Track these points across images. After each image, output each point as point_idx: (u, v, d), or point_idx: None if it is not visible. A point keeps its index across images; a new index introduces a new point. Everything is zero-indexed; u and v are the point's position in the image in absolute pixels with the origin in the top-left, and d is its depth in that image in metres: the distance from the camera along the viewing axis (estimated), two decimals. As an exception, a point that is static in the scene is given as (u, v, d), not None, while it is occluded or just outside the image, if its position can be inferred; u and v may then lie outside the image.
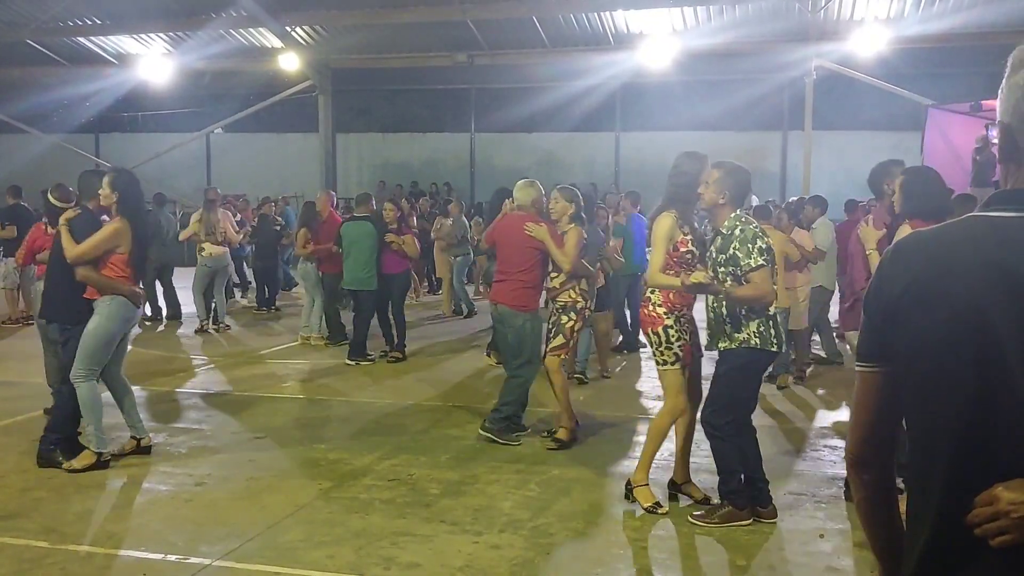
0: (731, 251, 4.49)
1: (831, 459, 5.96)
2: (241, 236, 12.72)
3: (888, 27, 16.70)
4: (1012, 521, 1.36)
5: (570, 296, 6.30)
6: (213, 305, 11.51)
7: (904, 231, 5.31)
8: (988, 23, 16.24)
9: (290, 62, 19.61)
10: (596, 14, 18.15)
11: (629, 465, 5.92)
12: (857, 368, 1.64)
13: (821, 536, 4.61)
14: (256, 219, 13.92)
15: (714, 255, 4.61)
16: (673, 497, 5.17)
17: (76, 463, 5.63)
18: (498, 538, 4.58)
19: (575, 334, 6.39)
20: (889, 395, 1.58)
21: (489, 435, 6.27)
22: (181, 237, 12.40)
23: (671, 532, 4.69)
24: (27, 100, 21.98)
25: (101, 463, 5.68)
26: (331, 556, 4.34)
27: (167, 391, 8.04)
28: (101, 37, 20.85)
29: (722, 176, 4.58)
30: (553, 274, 6.35)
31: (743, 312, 4.51)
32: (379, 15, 18.23)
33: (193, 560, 4.31)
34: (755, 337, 4.52)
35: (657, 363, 4.99)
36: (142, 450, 5.98)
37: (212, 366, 9.33)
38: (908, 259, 1.53)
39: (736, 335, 4.54)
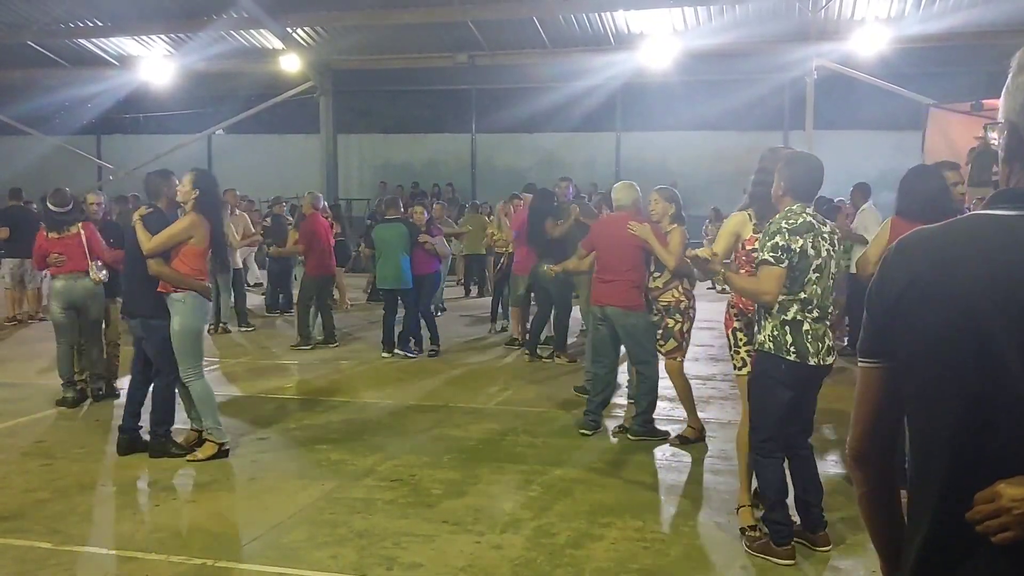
0: (757, 242, 4.29)
1: (832, 457, 5.97)
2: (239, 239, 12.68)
3: (888, 26, 16.71)
4: (1014, 518, 1.36)
5: (673, 296, 6.29)
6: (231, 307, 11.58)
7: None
8: (988, 22, 16.25)
9: (291, 63, 19.63)
10: (597, 14, 18.17)
11: (632, 464, 5.94)
12: (859, 364, 1.65)
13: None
14: (268, 219, 13.90)
15: None
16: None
17: (200, 454, 5.90)
18: (500, 538, 4.58)
19: (686, 335, 6.37)
20: (890, 391, 1.59)
21: (642, 438, 6.35)
22: None
23: (674, 533, 4.69)
24: (29, 102, 22.02)
25: (222, 452, 5.92)
26: (334, 556, 4.35)
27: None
28: (102, 39, 20.89)
29: (781, 167, 4.31)
30: (656, 274, 6.34)
31: (763, 312, 4.22)
32: (380, 16, 18.26)
33: (196, 561, 4.32)
34: (769, 341, 4.15)
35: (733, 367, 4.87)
36: (203, 441, 6.09)
37: (216, 367, 9.34)
38: (910, 256, 1.54)
39: (757, 336, 4.26)
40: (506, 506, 5.05)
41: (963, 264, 1.45)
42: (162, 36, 20.49)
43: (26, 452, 6.15)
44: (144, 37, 20.66)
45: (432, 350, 9.90)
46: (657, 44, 17.80)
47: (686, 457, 6.07)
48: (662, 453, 6.16)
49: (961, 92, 16.25)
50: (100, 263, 7.24)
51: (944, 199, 4.95)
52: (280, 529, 4.71)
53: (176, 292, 5.79)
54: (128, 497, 5.36)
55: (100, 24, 20.02)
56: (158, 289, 5.84)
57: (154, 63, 20.66)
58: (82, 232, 7.28)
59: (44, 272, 8.46)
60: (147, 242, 5.75)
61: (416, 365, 9.40)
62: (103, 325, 7.56)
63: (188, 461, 5.84)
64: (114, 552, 4.45)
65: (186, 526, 4.81)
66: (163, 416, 6.02)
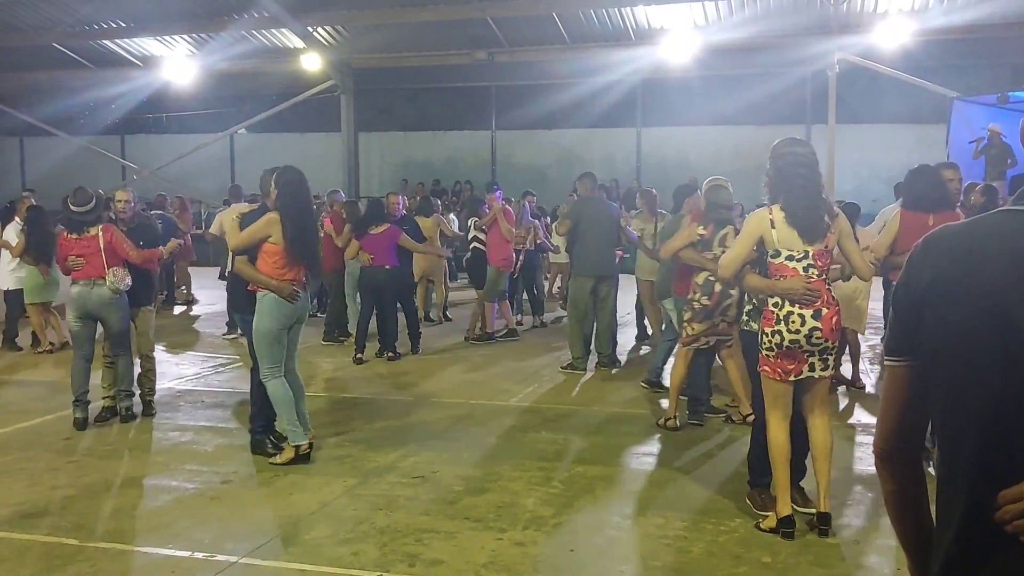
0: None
1: (858, 455, 5.93)
2: None
3: (912, 19, 16.54)
4: (1043, 516, 1.35)
5: None
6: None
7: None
8: (1013, 14, 16.04)
9: (312, 62, 19.72)
10: (616, 9, 18.11)
11: (652, 461, 5.93)
12: (885, 361, 1.64)
13: (856, 541, 4.58)
14: None
15: None
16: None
17: (279, 458, 5.79)
18: (522, 535, 4.59)
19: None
20: (917, 389, 1.58)
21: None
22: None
23: (696, 530, 4.67)
24: (54, 103, 22.29)
25: (300, 456, 5.76)
26: (356, 553, 4.37)
27: (194, 389, 8.11)
28: (126, 40, 21.09)
29: None
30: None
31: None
32: (399, 14, 18.30)
33: (220, 557, 4.36)
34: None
35: (832, 367, 4.60)
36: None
37: (238, 365, 9.40)
38: (936, 252, 1.53)
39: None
40: (527, 503, 5.05)
41: (988, 260, 1.44)
42: (184, 36, 20.65)
43: (55, 449, 6.23)
44: (167, 37, 20.84)
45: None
46: (677, 39, 17.72)
47: (708, 454, 6.05)
48: (683, 450, 6.14)
49: (985, 85, 16.06)
50: (121, 270, 6.73)
51: (936, 192, 5.74)
52: (303, 525, 4.75)
53: (259, 291, 5.74)
54: (153, 494, 5.41)
55: (123, 25, 20.21)
56: (248, 288, 5.84)
57: (177, 63, 20.83)
58: (101, 235, 6.72)
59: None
60: (232, 239, 5.79)
61: (436, 362, 9.42)
62: (131, 336, 7.01)
63: (270, 464, 5.76)
64: (139, 548, 4.50)
65: (210, 523, 4.85)
66: (256, 411, 6.04)
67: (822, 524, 4.48)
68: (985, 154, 12.47)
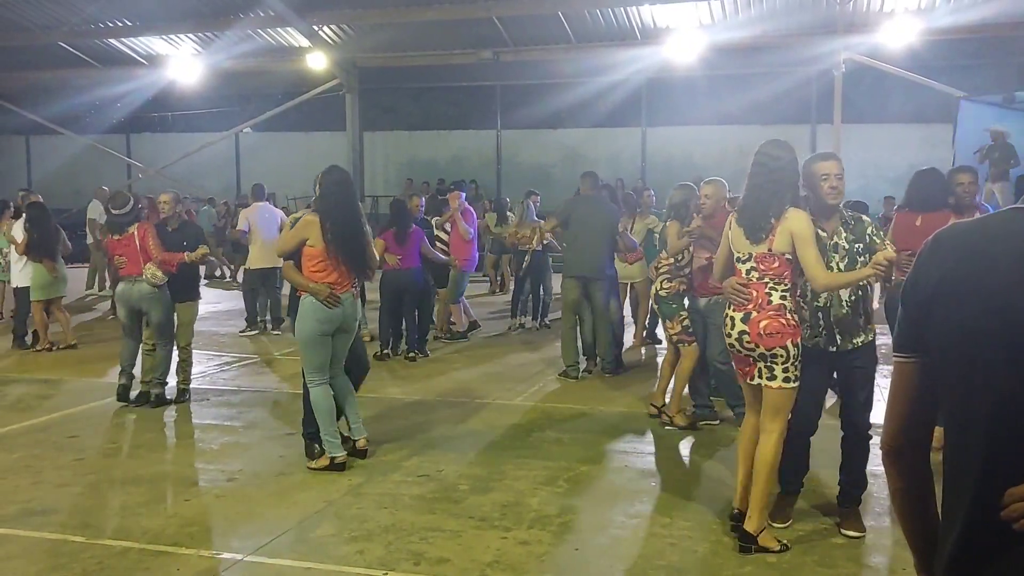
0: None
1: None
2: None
3: (918, 18, 16.50)
4: (1046, 516, 1.35)
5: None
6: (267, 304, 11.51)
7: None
8: (1020, 13, 15.99)
9: (317, 61, 19.75)
10: (622, 9, 18.09)
11: (658, 461, 5.93)
12: (894, 358, 1.64)
13: (860, 541, 4.57)
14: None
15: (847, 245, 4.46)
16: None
17: (314, 464, 5.67)
18: (527, 534, 4.59)
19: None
20: (924, 386, 1.58)
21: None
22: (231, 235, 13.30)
23: (702, 530, 4.67)
24: (60, 102, 22.36)
25: (335, 466, 5.58)
26: (361, 551, 4.38)
27: (199, 388, 8.12)
28: (131, 39, 21.12)
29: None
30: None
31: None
32: (405, 13, 18.31)
33: (225, 555, 4.37)
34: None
35: (782, 380, 4.20)
36: (357, 452, 5.81)
37: (244, 363, 9.42)
38: (945, 251, 1.53)
39: (870, 327, 4.51)
40: (532, 502, 5.06)
41: (995, 259, 1.44)
42: (190, 35, 20.68)
43: (59, 447, 6.25)
44: (172, 36, 20.87)
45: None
46: (683, 38, 17.71)
47: (713, 454, 6.05)
48: (688, 450, 6.14)
49: (992, 84, 16.03)
50: (155, 266, 7.13)
51: (936, 193, 5.72)
52: (308, 524, 4.75)
53: (302, 294, 5.63)
54: (159, 491, 5.42)
55: (129, 24, 20.25)
56: (297, 293, 5.74)
57: (182, 62, 20.87)
58: (136, 233, 7.21)
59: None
60: (278, 244, 5.87)
61: (441, 361, 9.42)
62: (173, 327, 7.44)
63: (308, 468, 5.66)
64: (145, 546, 4.51)
65: (216, 520, 4.86)
66: (305, 416, 5.86)
67: (743, 541, 4.29)
68: (988, 157, 12.47)
